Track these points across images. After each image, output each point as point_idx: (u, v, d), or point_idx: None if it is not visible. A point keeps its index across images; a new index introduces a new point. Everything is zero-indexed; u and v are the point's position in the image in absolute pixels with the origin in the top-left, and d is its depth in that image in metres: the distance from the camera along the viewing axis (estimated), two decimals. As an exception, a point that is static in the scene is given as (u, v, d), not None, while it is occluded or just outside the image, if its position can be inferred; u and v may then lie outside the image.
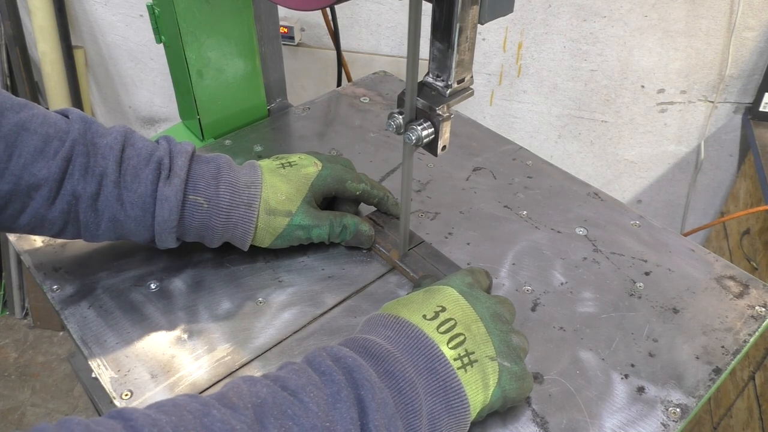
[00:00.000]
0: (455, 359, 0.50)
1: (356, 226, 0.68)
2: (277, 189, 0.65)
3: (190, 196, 0.61)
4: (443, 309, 0.53)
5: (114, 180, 0.59)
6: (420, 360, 0.49)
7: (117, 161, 0.59)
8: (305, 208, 0.66)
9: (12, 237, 0.71)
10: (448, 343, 0.50)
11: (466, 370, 0.50)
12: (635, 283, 0.68)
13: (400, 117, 0.56)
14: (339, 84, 1.14)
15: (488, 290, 0.61)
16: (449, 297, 0.54)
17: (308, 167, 0.68)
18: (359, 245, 0.70)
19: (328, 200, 0.72)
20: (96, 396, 0.76)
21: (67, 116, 0.60)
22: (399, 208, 0.73)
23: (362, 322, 0.55)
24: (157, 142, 0.63)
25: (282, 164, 0.68)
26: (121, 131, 0.61)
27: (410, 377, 0.47)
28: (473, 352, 0.51)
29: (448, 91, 0.54)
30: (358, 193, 0.70)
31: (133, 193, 0.60)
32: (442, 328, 0.51)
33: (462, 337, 0.51)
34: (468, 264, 0.70)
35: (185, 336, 0.61)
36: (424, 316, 0.52)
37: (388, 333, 0.51)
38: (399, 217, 0.72)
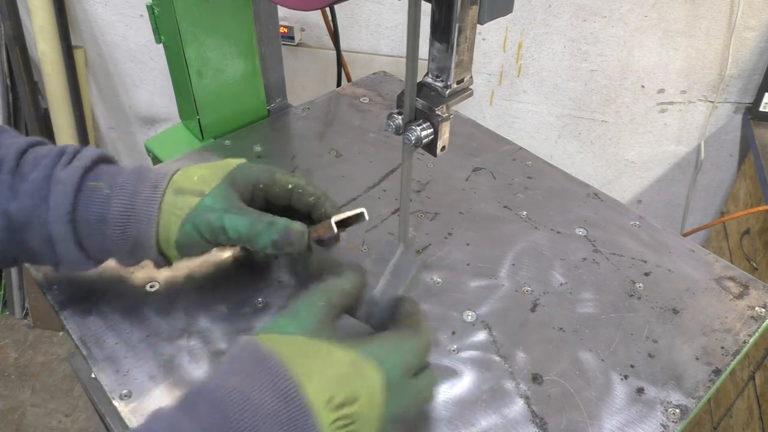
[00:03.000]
0: None
1: (286, 224, 0.57)
2: (191, 173, 0.58)
3: (90, 183, 0.55)
4: (355, 400, 0.44)
5: (10, 168, 0.54)
6: None
7: (19, 151, 0.55)
8: (222, 191, 0.57)
9: (11, 237, 0.70)
10: None
11: None
12: (635, 283, 0.68)
13: (400, 117, 0.56)
14: (339, 84, 1.14)
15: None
16: (371, 388, 0.45)
17: (232, 159, 0.62)
18: (290, 248, 0.57)
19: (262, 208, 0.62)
20: (95, 396, 0.75)
21: None
22: (338, 210, 0.61)
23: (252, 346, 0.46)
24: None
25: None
26: (37, 139, 0.57)
27: None
28: None
29: (447, 92, 0.53)
30: (290, 186, 0.61)
31: (27, 182, 0.53)
32: (339, 423, 0.43)
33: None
34: (467, 265, 0.69)
35: (184, 336, 0.61)
36: (330, 400, 0.43)
37: (271, 406, 0.42)
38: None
